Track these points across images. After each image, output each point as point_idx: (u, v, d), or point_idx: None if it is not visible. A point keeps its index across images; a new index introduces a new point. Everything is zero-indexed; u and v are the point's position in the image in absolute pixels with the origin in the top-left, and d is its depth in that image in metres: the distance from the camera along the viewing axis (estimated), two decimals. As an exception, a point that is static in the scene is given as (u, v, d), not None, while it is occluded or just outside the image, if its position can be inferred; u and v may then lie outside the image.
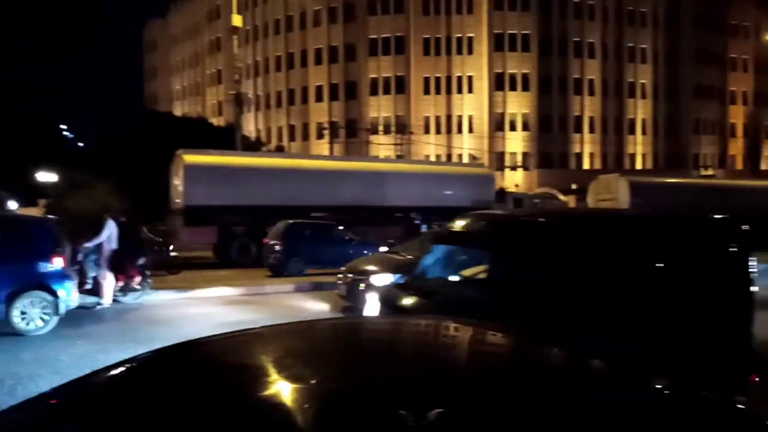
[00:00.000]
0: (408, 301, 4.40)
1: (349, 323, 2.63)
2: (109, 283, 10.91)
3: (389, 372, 1.44)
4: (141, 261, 11.72)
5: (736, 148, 65.84)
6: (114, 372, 1.50)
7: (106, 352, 7.28)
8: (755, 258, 3.09)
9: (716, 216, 3.72)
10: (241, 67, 45.79)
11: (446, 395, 1.27)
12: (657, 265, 3.35)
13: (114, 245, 11.01)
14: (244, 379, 1.35)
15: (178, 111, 69.71)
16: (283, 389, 1.29)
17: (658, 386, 1.54)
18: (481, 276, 4.41)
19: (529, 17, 55.23)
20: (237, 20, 24.72)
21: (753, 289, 3.05)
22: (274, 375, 1.38)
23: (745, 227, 3.37)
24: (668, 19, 61.23)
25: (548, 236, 3.71)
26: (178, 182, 19.64)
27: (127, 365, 1.55)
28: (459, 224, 4.46)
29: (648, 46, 60.45)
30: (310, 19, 58.63)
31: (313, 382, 1.32)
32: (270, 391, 1.30)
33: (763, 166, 65.16)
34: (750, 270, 3.07)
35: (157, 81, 78.84)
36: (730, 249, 3.21)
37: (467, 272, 4.87)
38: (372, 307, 5.26)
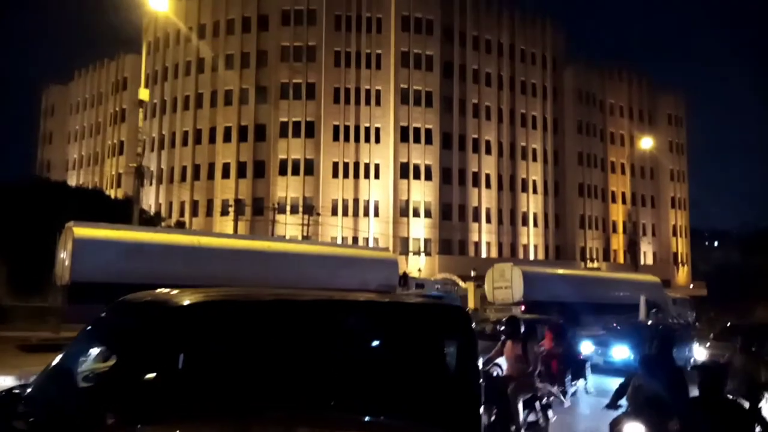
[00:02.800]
0: None
1: None
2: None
3: None
4: None
5: (618, 243, 71.67)
6: None
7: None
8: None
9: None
10: (145, 139, 44.77)
11: None
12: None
13: None
14: None
15: (73, 180, 66.25)
16: None
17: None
18: None
19: (432, 113, 58.86)
20: (144, 94, 24.44)
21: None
22: None
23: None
24: (555, 124, 67.53)
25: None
26: (65, 256, 18.39)
27: None
28: None
29: (538, 147, 65.94)
30: (221, 97, 59.01)
31: None
32: None
33: (641, 261, 71.11)
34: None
35: (52, 147, 74.97)
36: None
37: None
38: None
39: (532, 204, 64.82)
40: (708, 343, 15.58)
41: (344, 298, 4.85)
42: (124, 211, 27.36)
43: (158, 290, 4.32)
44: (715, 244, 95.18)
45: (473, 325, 4.56)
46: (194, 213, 58.42)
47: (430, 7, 59.61)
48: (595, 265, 66.27)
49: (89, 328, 4.35)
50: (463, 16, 61.95)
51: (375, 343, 4.23)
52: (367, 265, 25.14)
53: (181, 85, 60.94)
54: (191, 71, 60.41)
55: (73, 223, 18.73)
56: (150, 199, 59.74)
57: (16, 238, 24.61)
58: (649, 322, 21.88)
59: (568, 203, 67.37)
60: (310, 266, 22.61)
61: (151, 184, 59.33)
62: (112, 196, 48.36)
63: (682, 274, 75.66)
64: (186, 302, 3.83)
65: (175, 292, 4.16)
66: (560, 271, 36.82)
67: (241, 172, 57.45)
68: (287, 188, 56.20)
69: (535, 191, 65.20)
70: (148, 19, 58.05)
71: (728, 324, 17.20)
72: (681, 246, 77.01)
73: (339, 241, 53.48)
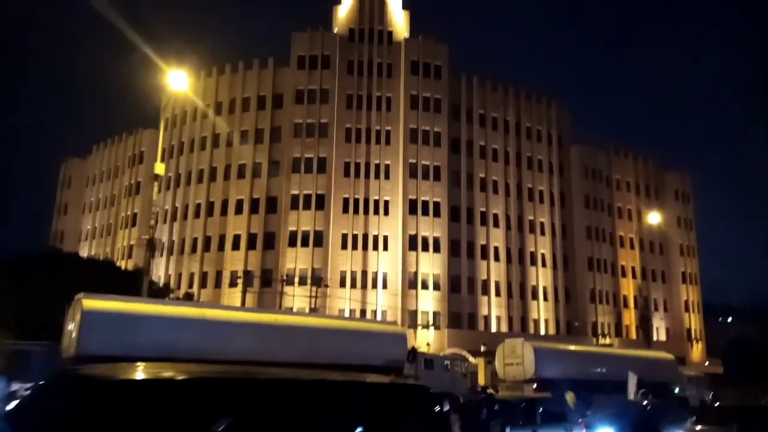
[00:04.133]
0: None
1: None
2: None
3: None
4: None
5: (630, 318, 70.48)
6: None
7: None
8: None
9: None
10: (158, 211, 45.62)
11: None
12: None
13: None
14: None
15: (85, 251, 67.06)
16: None
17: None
18: None
19: (441, 187, 59.76)
20: (160, 168, 25.16)
21: None
22: None
23: None
24: (562, 199, 68.19)
25: None
26: (72, 328, 18.41)
27: None
28: None
29: (546, 221, 66.27)
30: (235, 171, 60.44)
31: None
32: None
33: (654, 337, 69.60)
34: None
35: (66, 218, 76.33)
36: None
37: None
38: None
39: (542, 278, 64.40)
40: (699, 427, 14.05)
41: (297, 377, 4.80)
42: (134, 283, 27.54)
43: (109, 364, 4.40)
44: (729, 319, 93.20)
45: (445, 404, 4.60)
46: (203, 284, 58.50)
47: (437, 87, 61.79)
48: (608, 341, 64.92)
49: (29, 393, 4.47)
50: (469, 95, 64.08)
51: (335, 422, 4.22)
52: (374, 339, 24.86)
53: (196, 158, 62.61)
54: (206, 146, 62.25)
55: (83, 294, 18.85)
56: (160, 270, 60.06)
57: (26, 309, 24.72)
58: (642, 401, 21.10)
59: (578, 277, 66.89)
60: (317, 340, 22.41)
61: (161, 255, 59.84)
62: (123, 267, 48.70)
63: (697, 351, 73.77)
64: (111, 379, 3.89)
65: (120, 367, 4.23)
66: (572, 347, 36.17)
67: (251, 244, 57.93)
68: (296, 260, 56.42)
69: (544, 265, 64.96)
70: (167, 96, 60.49)
71: (717, 405, 16.16)
72: (694, 322, 75.54)
73: (347, 314, 53.04)
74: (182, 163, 63.61)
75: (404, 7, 64.84)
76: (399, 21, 63.34)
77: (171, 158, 63.51)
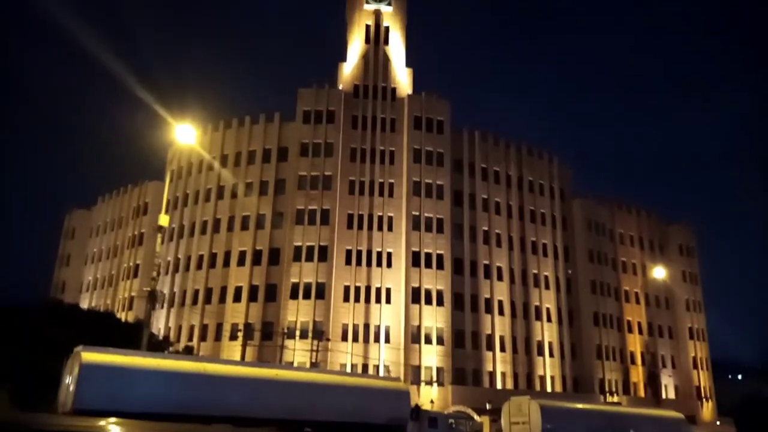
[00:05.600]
0: None
1: None
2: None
3: None
4: None
5: (638, 375, 68.96)
6: None
7: None
8: None
9: None
10: (160, 263, 45.52)
11: None
12: None
13: None
14: None
15: (86, 302, 66.56)
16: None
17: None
18: None
19: (443, 239, 59.70)
20: (164, 220, 25.25)
21: None
22: None
23: None
24: (566, 253, 67.96)
25: None
26: (70, 381, 18.03)
27: None
28: None
29: (550, 274, 65.84)
30: (238, 222, 60.60)
31: None
32: None
33: (663, 394, 67.88)
34: None
35: (69, 269, 76.18)
36: None
37: None
38: None
39: (547, 333, 63.42)
40: None
41: None
42: (134, 335, 27.16)
43: None
44: (739, 377, 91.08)
45: None
46: (203, 337, 57.70)
47: (440, 141, 62.66)
48: (615, 398, 63.30)
49: None
50: (471, 149, 64.91)
51: None
52: (376, 396, 24.30)
53: (201, 210, 62.92)
54: (211, 197, 62.68)
55: (82, 348, 18.56)
56: (160, 322, 59.42)
57: (24, 361, 24.29)
58: None
59: (584, 333, 65.88)
60: (317, 396, 21.91)
61: (162, 307, 59.31)
62: (124, 319, 48.20)
63: (707, 410, 71.79)
64: None
65: None
66: (580, 405, 35.22)
67: (253, 296, 57.45)
68: (298, 312, 55.77)
69: (549, 319, 64.10)
70: (173, 149, 61.44)
71: None
72: (703, 379, 73.83)
73: (348, 369, 52.05)
74: (186, 215, 63.89)
75: (407, 65, 66.60)
76: (402, 78, 64.88)
77: (175, 210, 63.87)
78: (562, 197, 69.85)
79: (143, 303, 28.33)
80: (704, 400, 72.35)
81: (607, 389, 64.09)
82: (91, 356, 18.10)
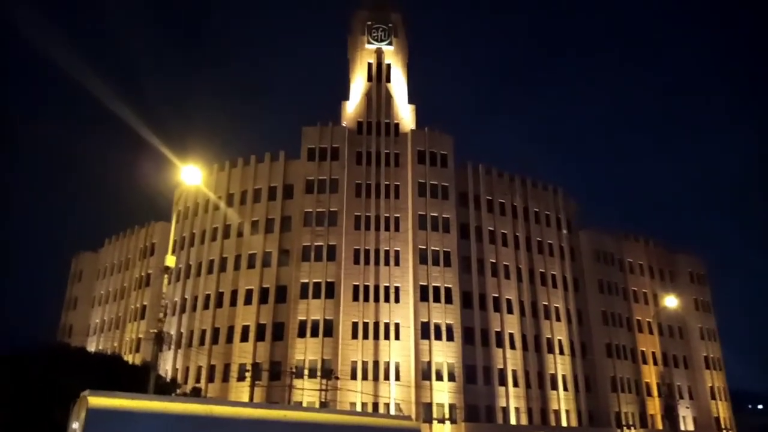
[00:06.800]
0: None
1: None
2: None
3: None
4: None
5: (654, 407, 67.42)
6: None
7: None
8: None
9: None
10: (167, 304, 45.30)
11: None
12: None
13: None
14: None
15: (93, 345, 66.16)
16: None
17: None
18: None
19: (451, 272, 59.33)
20: (171, 261, 25.18)
21: None
22: None
23: None
24: (575, 284, 67.37)
25: None
26: (77, 427, 17.71)
27: None
28: None
29: (560, 306, 65.14)
30: (245, 260, 60.54)
31: None
32: None
33: (682, 426, 66.19)
34: None
35: (75, 312, 76.01)
36: None
37: None
38: None
39: (560, 365, 62.37)
40: None
41: None
42: (140, 377, 26.83)
43: None
44: (759, 407, 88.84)
45: None
46: (211, 378, 57.03)
47: (444, 175, 62.88)
48: (633, 432, 61.75)
49: None
50: (476, 182, 65.10)
51: None
52: (388, 435, 23.69)
53: (207, 250, 62.98)
54: (217, 237, 62.80)
55: (88, 392, 18.27)
56: (167, 363, 58.85)
57: (31, 409, 23.97)
58: None
59: (597, 365, 64.74)
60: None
61: (169, 348, 58.83)
62: (131, 361, 47.76)
63: (729, 442, 69.89)
64: None
65: None
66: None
67: (260, 335, 56.95)
68: (306, 350, 55.14)
69: (561, 352, 63.13)
70: (179, 190, 61.87)
71: None
72: (722, 410, 72.08)
73: (359, 407, 51.15)
74: (192, 255, 63.92)
75: (410, 101, 67.41)
76: (405, 114, 65.59)
77: (182, 250, 63.96)
78: (569, 228, 69.62)
79: (150, 345, 28.07)
80: (724, 431, 70.50)
81: (623, 422, 62.60)
82: (97, 400, 17.81)
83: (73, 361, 32.65)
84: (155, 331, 24.23)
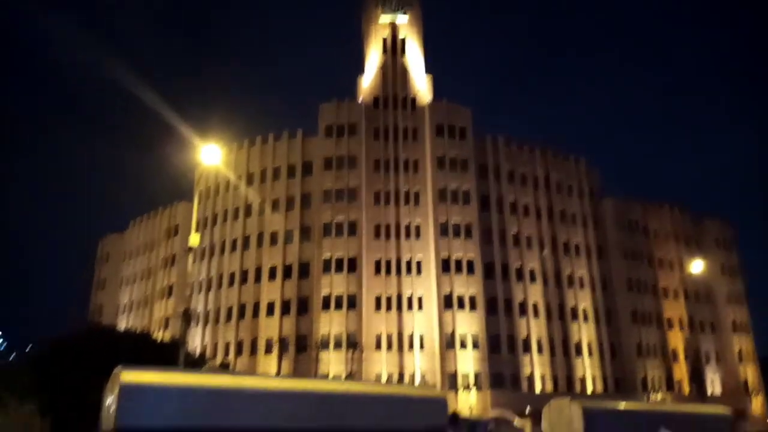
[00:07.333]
0: None
1: None
2: None
3: None
4: None
5: (681, 372, 67.19)
6: None
7: None
8: None
9: None
10: (193, 282, 46.11)
11: None
12: None
13: None
14: None
15: (123, 324, 67.73)
16: None
17: None
18: None
19: (473, 244, 59.23)
20: (194, 240, 25.56)
21: None
22: None
23: None
24: (599, 251, 66.81)
25: None
26: (111, 402, 18.30)
27: None
28: None
29: (584, 274, 64.73)
30: (267, 238, 61.13)
31: None
32: None
33: (709, 391, 65.95)
34: None
35: (105, 293, 77.79)
36: None
37: None
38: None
39: (585, 333, 62.31)
40: None
41: None
42: (170, 354, 27.46)
43: None
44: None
45: None
46: (239, 353, 58.20)
47: (463, 147, 62.31)
48: (659, 396, 61.73)
49: None
50: (495, 154, 64.46)
51: None
52: (413, 405, 23.94)
53: (230, 229, 63.70)
54: (239, 216, 63.42)
55: (121, 367, 18.83)
56: (195, 340, 60.13)
57: (66, 389, 24.76)
58: None
59: (622, 331, 64.53)
60: (353, 408, 21.82)
61: (197, 325, 60.03)
62: (160, 339, 48.86)
63: (757, 405, 69.50)
64: None
65: None
66: (624, 405, 34.38)
67: (286, 310, 57.79)
68: (331, 324, 55.89)
69: (586, 319, 62.98)
70: (200, 170, 62.41)
71: None
72: (750, 373, 71.54)
73: (384, 378, 51.86)
74: (216, 234, 64.72)
75: (427, 71, 66.60)
76: (422, 87, 64.90)
77: (205, 229, 64.75)
78: (592, 197, 68.80)
79: (178, 322, 28.70)
80: (753, 394, 70.08)
81: (650, 387, 62.58)
82: (130, 376, 18.34)
83: (104, 339, 33.50)
84: (183, 308, 24.73)
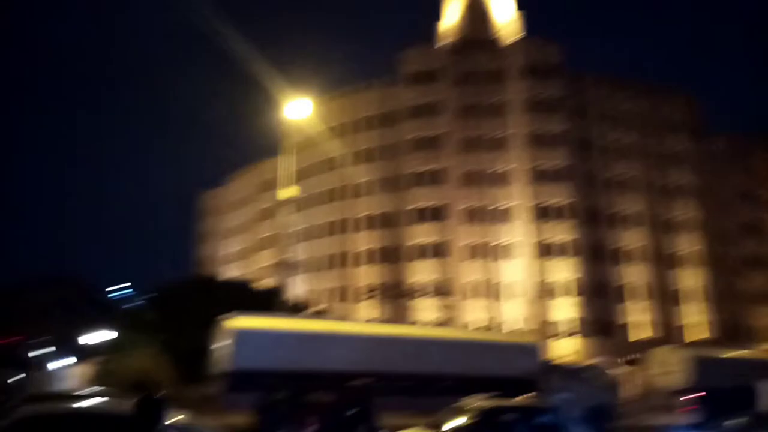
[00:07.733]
0: None
1: None
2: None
3: None
4: None
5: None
6: None
7: None
8: None
9: None
10: (289, 234, 48.03)
11: None
12: None
13: None
14: None
15: (225, 275, 71.98)
16: None
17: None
18: None
19: (568, 189, 57.11)
20: (283, 194, 26.71)
21: None
22: None
23: None
24: (705, 194, 62.26)
25: None
26: (225, 346, 19.80)
27: None
28: None
29: (688, 218, 61.00)
30: (356, 189, 62.13)
31: None
32: None
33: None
34: None
35: (207, 246, 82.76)
36: None
37: None
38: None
39: (688, 279, 59.31)
40: None
41: None
42: (271, 301, 29.05)
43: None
44: None
45: None
46: (334, 300, 60.54)
47: (554, 88, 59.13)
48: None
49: None
50: (590, 93, 61.02)
51: None
52: (505, 352, 24.18)
53: (321, 180, 65.26)
54: (329, 168, 64.72)
55: (234, 314, 20.27)
56: (294, 288, 63.07)
57: (181, 332, 26.96)
58: None
59: (731, 276, 60.80)
60: (447, 354, 22.36)
61: (294, 274, 62.83)
62: (262, 288, 51.67)
63: None
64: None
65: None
66: (729, 353, 32.79)
67: (377, 259, 59.10)
68: (421, 272, 56.65)
69: (690, 265, 59.77)
70: (289, 123, 63.84)
71: None
72: None
73: (476, 326, 52.29)
74: (310, 185, 66.50)
75: (518, 7, 63.56)
76: (509, 25, 62.15)
77: (299, 181, 66.61)
78: (696, 136, 63.97)
79: (278, 272, 30.20)
80: None
81: (757, 337, 59.05)
82: (244, 321, 19.86)
83: (212, 289, 35.90)
84: (281, 258, 25.98)
